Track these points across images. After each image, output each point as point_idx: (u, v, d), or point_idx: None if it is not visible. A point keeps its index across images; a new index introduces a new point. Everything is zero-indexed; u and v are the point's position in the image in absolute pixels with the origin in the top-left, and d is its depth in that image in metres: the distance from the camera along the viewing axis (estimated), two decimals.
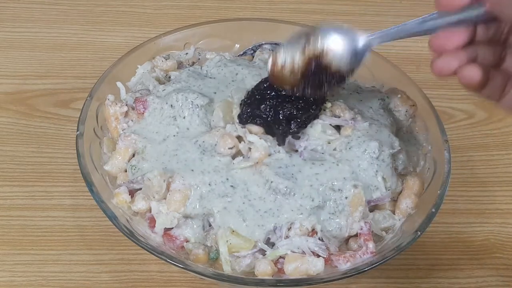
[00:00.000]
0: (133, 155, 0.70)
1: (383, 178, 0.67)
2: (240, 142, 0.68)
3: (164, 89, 0.75)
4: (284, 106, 0.67)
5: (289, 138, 0.68)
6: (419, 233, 0.64)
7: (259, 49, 0.85)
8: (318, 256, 0.63)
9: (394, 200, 0.69)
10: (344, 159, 0.67)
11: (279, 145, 0.67)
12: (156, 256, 0.61)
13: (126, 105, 0.74)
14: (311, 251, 0.63)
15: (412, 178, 0.70)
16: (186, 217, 0.65)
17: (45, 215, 0.77)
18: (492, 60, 0.53)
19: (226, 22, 0.87)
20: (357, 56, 0.61)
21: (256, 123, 0.68)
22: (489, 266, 0.76)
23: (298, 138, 0.68)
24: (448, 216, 0.80)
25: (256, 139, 0.67)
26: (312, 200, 0.64)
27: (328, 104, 0.71)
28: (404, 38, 0.59)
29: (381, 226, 0.67)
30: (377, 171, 0.67)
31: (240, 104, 0.70)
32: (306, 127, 0.68)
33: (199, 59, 0.85)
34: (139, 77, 0.79)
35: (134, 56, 0.80)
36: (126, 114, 0.73)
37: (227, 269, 0.63)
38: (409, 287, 0.74)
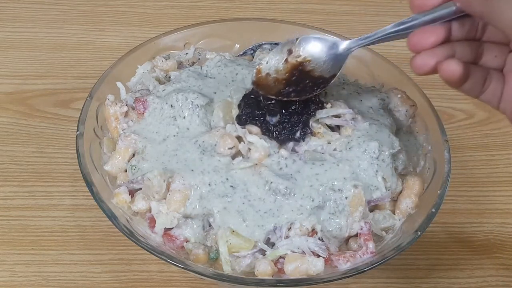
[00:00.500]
0: (133, 155, 0.70)
1: (383, 178, 0.67)
2: (240, 142, 0.68)
3: (164, 89, 0.75)
4: (287, 114, 0.67)
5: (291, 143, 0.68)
6: (419, 233, 0.64)
7: (259, 49, 0.85)
8: (318, 256, 0.63)
9: (394, 200, 0.69)
10: (344, 159, 0.67)
11: (279, 145, 0.68)
12: (156, 256, 0.61)
13: (126, 105, 0.74)
14: (311, 251, 0.63)
15: (412, 178, 0.70)
16: (186, 217, 0.65)
17: (45, 215, 0.77)
18: (470, 56, 0.55)
19: (226, 22, 0.87)
20: (338, 61, 0.65)
21: (255, 124, 0.68)
22: (489, 266, 0.76)
23: (299, 141, 0.68)
24: (448, 216, 0.80)
25: (256, 140, 0.67)
26: (312, 200, 0.64)
27: (328, 105, 0.71)
28: (384, 42, 0.61)
29: (381, 226, 0.67)
30: (377, 171, 0.67)
31: (239, 105, 0.70)
32: (309, 132, 0.68)
33: (199, 59, 0.85)
34: (139, 77, 0.79)
35: (134, 56, 0.80)
36: (126, 114, 0.73)
37: (227, 269, 0.63)
38: (409, 287, 0.74)
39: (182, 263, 0.61)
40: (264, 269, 0.62)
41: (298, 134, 0.67)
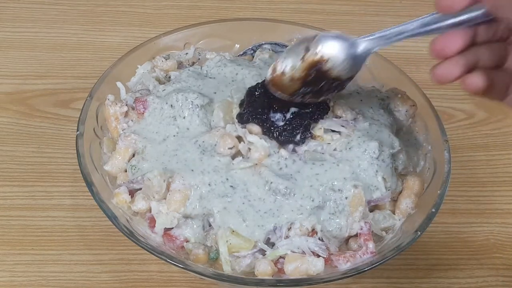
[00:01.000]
0: (133, 155, 0.70)
1: (383, 178, 0.67)
2: (240, 142, 0.68)
3: (164, 89, 0.75)
4: (291, 116, 0.67)
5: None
6: (419, 233, 0.64)
7: (259, 49, 0.85)
8: (318, 256, 0.63)
9: (394, 200, 0.69)
10: (344, 159, 0.67)
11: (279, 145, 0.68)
12: (156, 256, 0.61)
13: (126, 105, 0.74)
14: (311, 251, 0.63)
15: (412, 178, 0.70)
16: (186, 217, 0.65)
17: (45, 215, 0.77)
18: (494, 60, 0.53)
19: (226, 22, 0.87)
20: (356, 62, 0.62)
21: (256, 123, 0.68)
22: (489, 266, 0.76)
23: (298, 144, 0.68)
24: (448, 216, 0.80)
25: (256, 139, 0.67)
26: (312, 201, 0.64)
27: (330, 104, 0.71)
28: (404, 40, 0.59)
29: (381, 226, 0.67)
30: (377, 171, 0.67)
31: (241, 103, 0.70)
32: (309, 136, 0.68)
33: (199, 59, 0.85)
34: (139, 77, 0.79)
35: (134, 56, 0.80)
36: (126, 114, 0.73)
37: (227, 269, 0.63)
38: (409, 287, 0.74)
39: (182, 263, 0.61)
40: (264, 269, 0.62)
41: (298, 137, 0.67)
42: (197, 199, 0.65)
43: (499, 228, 0.80)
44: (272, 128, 0.67)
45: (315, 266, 0.62)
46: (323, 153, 0.68)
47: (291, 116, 0.67)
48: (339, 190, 0.65)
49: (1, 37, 1.01)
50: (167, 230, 0.65)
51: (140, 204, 0.66)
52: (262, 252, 0.64)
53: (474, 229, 0.80)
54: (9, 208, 0.78)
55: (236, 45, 0.87)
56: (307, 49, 0.61)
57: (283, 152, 0.67)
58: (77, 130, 0.69)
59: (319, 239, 0.64)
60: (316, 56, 0.61)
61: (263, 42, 0.86)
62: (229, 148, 0.67)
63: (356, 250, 0.65)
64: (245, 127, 0.68)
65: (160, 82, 0.79)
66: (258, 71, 0.76)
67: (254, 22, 0.88)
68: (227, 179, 0.66)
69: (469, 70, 0.52)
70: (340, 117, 0.70)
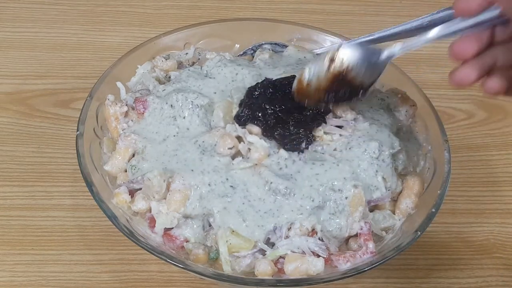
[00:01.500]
0: (133, 155, 0.70)
1: (383, 178, 0.67)
2: (240, 143, 0.68)
3: (164, 89, 0.75)
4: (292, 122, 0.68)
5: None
6: (419, 233, 0.64)
7: (259, 49, 0.85)
8: (318, 256, 0.63)
9: (394, 200, 0.69)
10: (344, 159, 0.67)
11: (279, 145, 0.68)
12: (156, 256, 0.61)
13: (126, 105, 0.74)
14: (311, 251, 0.63)
15: (412, 178, 0.70)
16: (186, 217, 0.65)
17: (45, 215, 0.77)
18: None
19: (226, 22, 0.87)
20: (379, 67, 0.64)
21: (256, 124, 0.68)
22: (489, 266, 0.76)
23: (303, 152, 0.68)
24: (448, 216, 0.80)
25: (256, 140, 0.67)
26: (312, 201, 0.64)
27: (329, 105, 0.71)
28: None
29: (381, 226, 0.67)
30: (377, 171, 0.67)
31: (240, 104, 0.71)
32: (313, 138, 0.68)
33: (199, 59, 0.85)
34: (139, 77, 0.79)
35: (134, 56, 0.80)
36: (126, 114, 0.73)
37: (227, 269, 0.63)
38: (409, 287, 0.74)
39: (182, 263, 0.61)
40: (264, 269, 0.62)
41: (303, 145, 0.68)
42: (197, 199, 0.65)
43: (499, 228, 0.80)
44: (277, 137, 0.67)
45: (315, 266, 0.62)
46: (323, 153, 0.68)
47: (293, 125, 0.67)
48: (339, 190, 0.65)
49: (1, 37, 1.01)
50: (167, 230, 0.65)
51: (140, 204, 0.66)
52: (262, 252, 0.64)
53: (474, 229, 0.80)
54: (9, 208, 0.78)
55: (236, 45, 0.87)
56: (332, 60, 0.63)
57: (282, 152, 0.67)
58: (77, 130, 0.69)
59: (319, 239, 0.64)
60: (341, 67, 0.63)
61: (263, 42, 0.86)
62: (229, 148, 0.67)
63: (356, 250, 0.65)
64: (245, 127, 0.68)
65: (160, 82, 0.79)
66: (258, 71, 0.76)
67: (254, 22, 0.88)
68: (227, 179, 0.66)
69: (488, 72, 0.52)
70: (340, 117, 0.70)
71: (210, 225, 0.66)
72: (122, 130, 0.72)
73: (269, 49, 0.85)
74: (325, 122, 0.69)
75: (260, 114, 0.68)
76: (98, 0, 1.09)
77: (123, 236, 0.62)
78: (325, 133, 0.69)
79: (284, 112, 0.68)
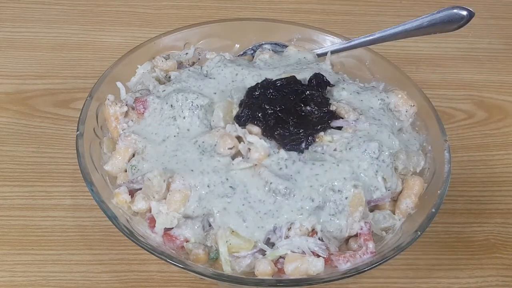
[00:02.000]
0: (133, 155, 0.70)
1: (383, 178, 0.67)
2: (240, 143, 0.68)
3: (164, 89, 0.75)
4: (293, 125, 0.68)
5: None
6: (419, 233, 0.64)
7: (259, 49, 0.85)
8: (318, 256, 0.63)
9: (394, 200, 0.69)
10: (344, 160, 0.67)
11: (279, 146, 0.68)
12: (156, 256, 0.61)
13: (126, 105, 0.74)
14: (311, 251, 0.63)
15: (412, 178, 0.69)
16: (186, 217, 0.65)
17: (45, 215, 0.77)
18: None
19: (226, 22, 0.87)
20: None
21: (256, 125, 0.68)
22: (489, 266, 0.76)
23: (303, 152, 0.68)
24: (448, 216, 0.80)
25: (256, 140, 0.67)
26: (312, 201, 0.64)
27: (333, 107, 0.71)
28: None
29: (381, 226, 0.67)
30: (377, 171, 0.67)
31: (240, 105, 0.71)
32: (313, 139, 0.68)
33: (199, 59, 0.85)
34: (139, 77, 0.79)
35: (134, 56, 0.80)
36: (126, 114, 0.73)
37: (227, 269, 0.63)
38: (409, 287, 0.74)
39: (182, 263, 0.61)
40: (264, 269, 0.62)
41: (303, 145, 0.68)
42: (197, 200, 0.65)
43: (499, 228, 0.80)
44: (276, 136, 0.67)
45: (315, 266, 0.62)
46: (323, 154, 0.68)
47: (294, 125, 0.67)
48: (339, 190, 0.65)
49: (1, 37, 1.01)
50: (167, 230, 0.65)
51: (140, 204, 0.66)
52: (262, 252, 0.64)
53: (474, 229, 0.80)
54: (9, 208, 0.78)
55: (236, 45, 0.87)
56: None
57: (282, 152, 0.67)
58: (77, 130, 0.69)
59: (319, 239, 0.64)
60: None
61: (263, 42, 0.86)
62: (229, 148, 0.67)
63: (356, 250, 0.65)
64: (245, 127, 0.68)
65: (160, 82, 0.79)
66: (258, 71, 0.76)
67: (254, 22, 0.88)
68: (227, 179, 0.66)
69: None
70: (342, 118, 0.70)
71: (210, 225, 0.66)
72: (122, 130, 0.72)
73: (269, 49, 0.85)
74: (330, 127, 0.69)
75: (260, 114, 0.68)
76: (98, 0, 1.09)
77: (123, 236, 0.62)
78: (325, 133, 0.69)
79: (284, 112, 0.68)
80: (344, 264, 0.63)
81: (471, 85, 1.00)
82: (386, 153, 0.68)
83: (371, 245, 0.64)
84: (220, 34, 0.86)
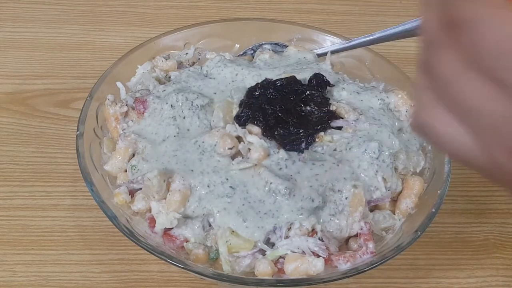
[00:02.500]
0: (133, 155, 0.70)
1: (383, 178, 0.67)
2: (240, 143, 0.68)
3: (164, 89, 0.75)
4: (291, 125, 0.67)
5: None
6: (419, 233, 0.64)
7: (259, 49, 0.85)
8: (318, 256, 0.63)
9: (394, 200, 0.69)
10: (344, 160, 0.67)
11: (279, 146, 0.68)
12: (156, 256, 0.61)
13: (126, 105, 0.74)
14: (311, 251, 0.63)
15: (412, 178, 0.69)
16: (186, 217, 0.65)
17: (45, 215, 0.77)
18: None
19: (226, 22, 0.87)
20: None
21: (256, 125, 0.68)
22: (489, 266, 0.76)
23: (303, 152, 0.68)
24: (448, 216, 0.80)
25: (256, 140, 0.67)
26: (312, 201, 0.64)
27: (333, 107, 0.71)
28: None
29: (381, 226, 0.67)
30: (377, 171, 0.67)
31: (240, 105, 0.71)
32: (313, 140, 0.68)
33: (199, 59, 0.85)
34: (139, 77, 0.79)
35: (134, 56, 0.80)
36: (126, 114, 0.74)
37: (227, 269, 0.63)
38: (409, 287, 0.74)
39: (182, 263, 0.61)
40: (264, 269, 0.62)
41: (303, 145, 0.68)
42: (197, 200, 0.65)
43: (499, 228, 0.80)
44: (275, 136, 0.67)
45: (315, 266, 0.62)
46: (323, 154, 0.68)
47: (294, 125, 0.67)
48: (339, 190, 0.65)
49: (1, 37, 1.01)
50: (167, 230, 0.65)
51: (140, 204, 0.66)
52: (262, 252, 0.64)
53: (474, 229, 0.80)
54: (9, 208, 0.78)
55: (236, 45, 0.87)
56: None
57: (282, 152, 0.67)
58: (77, 130, 0.69)
59: (319, 239, 0.64)
60: None
61: (263, 42, 0.86)
62: (229, 149, 0.67)
63: (356, 250, 0.65)
64: (245, 127, 0.68)
65: (160, 82, 0.79)
66: (258, 71, 0.76)
67: (254, 22, 0.88)
68: (227, 179, 0.66)
69: None
70: (342, 118, 0.70)
71: (210, 225, 0.66)
72: (122, 130, 0.72)
73: (269, 49, 0.85)
74: (330, 127, 0.69)
75: (260, 114, 0.68)
76: (98, 0, 1.09)
77: (123, 236, 0.62)
78: (325, 133, 0.69)
79: (284, 112, 0.68)
80: (344, 264, 0.63)
81: None
82: (386, 153, 0.68)
83: (371, 245, 0.64)
84: (220, 34, 0.86)
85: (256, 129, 0.68)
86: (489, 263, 0.76)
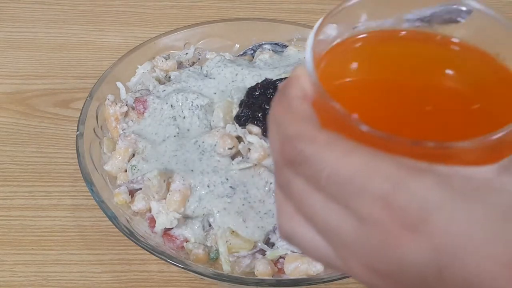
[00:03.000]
0: (133, 155, 0.70)
1: None
2: (240, 143, 0.68)
3: (164, 89, 0.75)
4: None
5: None
6: None
7: (259, 49, 0.85)
8: None
9: None
10: None
11: None
12: (156, 256, 0.61)
13: (126, 105, 0.74)
14: None
15: None
16: (186, 217, 0.65)
17: (45, 215, 0.77)
18: None
19: (226, 22, 0.87)
20: None
21: (256, 125, 0.68)
22: None
23: None
24: None
25: (256, 140, 0.67)
26: None
27: None
28: None
29: None
30: None
31: (240, 105, 0.71)
32: None
33: (199, 59, 0.85)
34: (139, 77, 0.79)
35: (134, 56, 0.80)
36: (126, 114, 0.74)
37: (227, 269, 0.63)
38: None
39: (182, 263, 0.61)
40: (264, 269, 0.62)
41: None
42: (197, 200, 0.65)
43: None
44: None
45: (315, 266, 0.62)
46: None
47: None
48: None
49: (1, 37, 1.01)
50: (167, 230, 0.65)
51: (140, 204, 0.66)
52: (262, 252, 0.64)
53: None
54: (9, 208, 0.78)
55: (236, 45, 0.87)
56: None
57: None
58: (77, 130, 0.69)
59: None
60: None
61: (263, 42, 0.86)
62: (229, 149, 0.67)
63: None
64: (245, 127, 0.68)
65: (160, 82, 0.79)
66: (258, 71, 0.76)
67: (254, 22, 0.88)
68: (227, 179, 0.66)
69: None
70: None
71: (210, 225, 0.66)
72: (122, 130, 0.72)
73: (269, 49, 0.85)
74: None
75: (260, 114, 0.68)
76: (98, 0, 1.09)
77: (123, 236, 0.62)
78: None
79: None
80: None
81: None
82: None
83: None
84: (220, 34, 0.86)
85: (256, 129, 0.68)
86: None
